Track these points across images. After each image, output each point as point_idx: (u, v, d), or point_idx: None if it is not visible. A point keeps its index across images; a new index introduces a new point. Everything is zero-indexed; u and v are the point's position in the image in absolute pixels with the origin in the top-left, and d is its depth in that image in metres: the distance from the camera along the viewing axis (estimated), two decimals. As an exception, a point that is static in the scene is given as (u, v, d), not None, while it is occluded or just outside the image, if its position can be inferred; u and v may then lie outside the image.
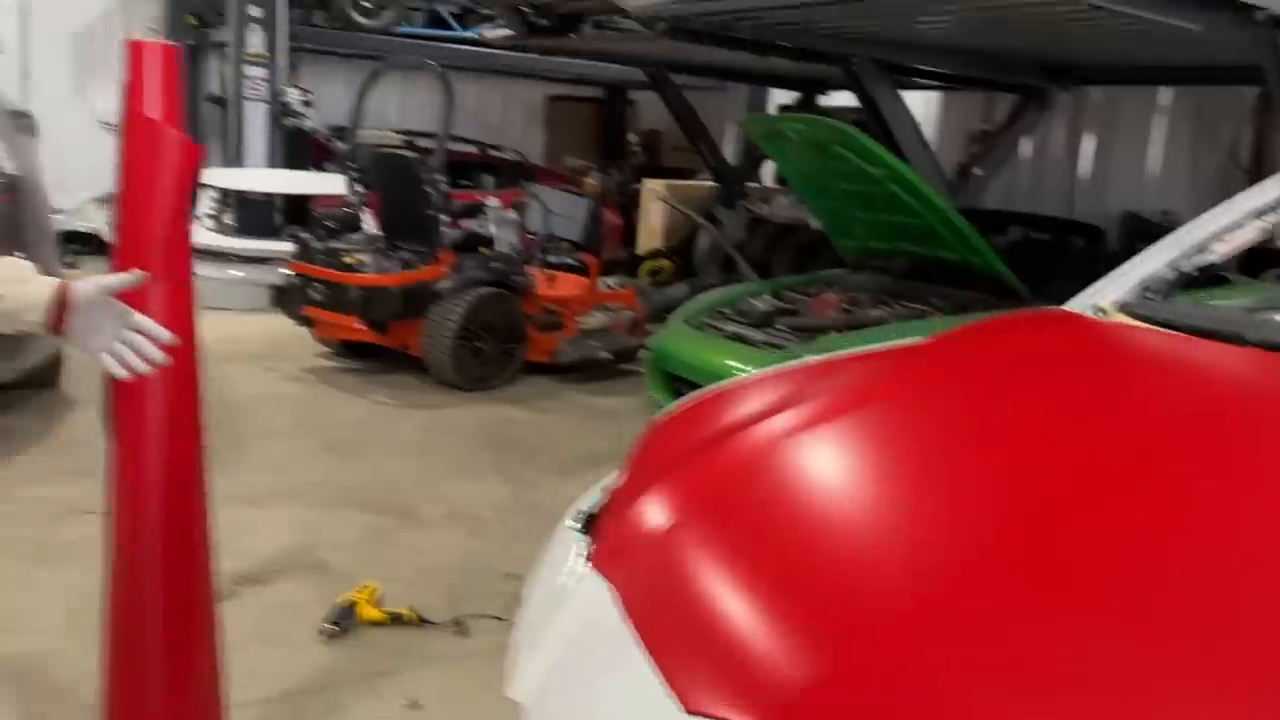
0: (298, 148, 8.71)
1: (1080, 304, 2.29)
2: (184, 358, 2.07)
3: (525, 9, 7.96)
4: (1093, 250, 5.78)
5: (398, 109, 11.03)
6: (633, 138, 13.55)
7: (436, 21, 10.08)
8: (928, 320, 5.14)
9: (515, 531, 3.99)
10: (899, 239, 5.73)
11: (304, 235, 6.25)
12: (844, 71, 6.65)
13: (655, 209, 10.13)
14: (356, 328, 6.13)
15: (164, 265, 2.05)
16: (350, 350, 6.63)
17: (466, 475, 4.67)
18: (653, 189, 10.17)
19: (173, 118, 2.06)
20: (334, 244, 6.18)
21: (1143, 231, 7.55)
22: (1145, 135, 8.89)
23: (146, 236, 2.05)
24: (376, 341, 6.25)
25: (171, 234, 2.08)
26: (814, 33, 6.26)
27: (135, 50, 2.03)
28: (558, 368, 6.48)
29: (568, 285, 6.85)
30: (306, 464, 4.68)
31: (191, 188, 2.12)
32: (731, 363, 5.07)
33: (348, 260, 6.01)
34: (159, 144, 2.04)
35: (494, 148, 10.94)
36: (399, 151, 6.62)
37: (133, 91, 2.03)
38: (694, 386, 5.22)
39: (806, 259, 8.88)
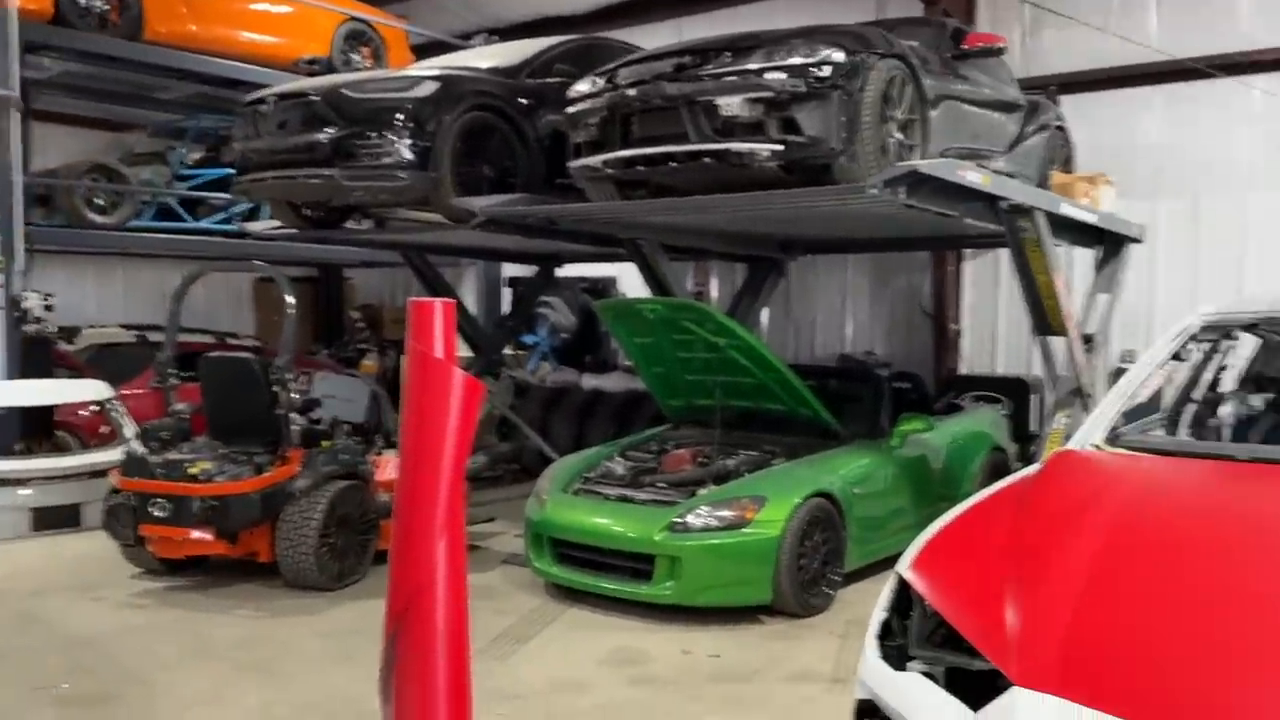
0: (36, 355, 7.95)
1: (1080, 443, 3.11)
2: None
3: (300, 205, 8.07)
4: (874, 391, 6.98)
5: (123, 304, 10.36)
6: (354, 314, 13.58)
7: (166, 214, 9.76)
8: (780, 464, 5.96)
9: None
10: (725, 396, 6.54)
11: (134, 449, 5.84)
12: (631, 250, 7.52)
13: (417, 384, 10.26)
14: (202, 541, 5.77)
15: (448, 505, 2.26)
16: (171, 566, 6.18)
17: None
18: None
19: (452, 361, 2.31)
20: (172, 455, 5.84)
21: (859, 370, 9.05)
22: (842, 289, 10.69)
23: (436, 466, 2.26)
24: (223, 553, 5.91)
25: (456, 463, 2.29)
26: (616, 223, 7.10)
27: (421, 307, 2.27)
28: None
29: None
30: (245, 689, 4.42)
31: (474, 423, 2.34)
32: (627, 523, 5.55)
33: (193, 470, 5.72)
34: (448, 382, 2.27)
35: (231, 335, 10.56)
36: (234, 355, 6.43)
37: (421, 338, 2.26)
38: (587, 551, 5.60)
39: (583, 419, 9.53)
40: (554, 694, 4.42)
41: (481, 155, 6.98)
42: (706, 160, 5.34)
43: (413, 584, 2.26)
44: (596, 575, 5.58)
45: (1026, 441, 7.98)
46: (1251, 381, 4.80)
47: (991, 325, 9.76)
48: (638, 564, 5.43)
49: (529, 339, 11.67)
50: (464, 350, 10.60)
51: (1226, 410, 4.45)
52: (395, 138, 6.69)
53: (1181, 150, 8.72)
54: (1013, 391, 8.60)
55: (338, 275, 13.98)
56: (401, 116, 6.66)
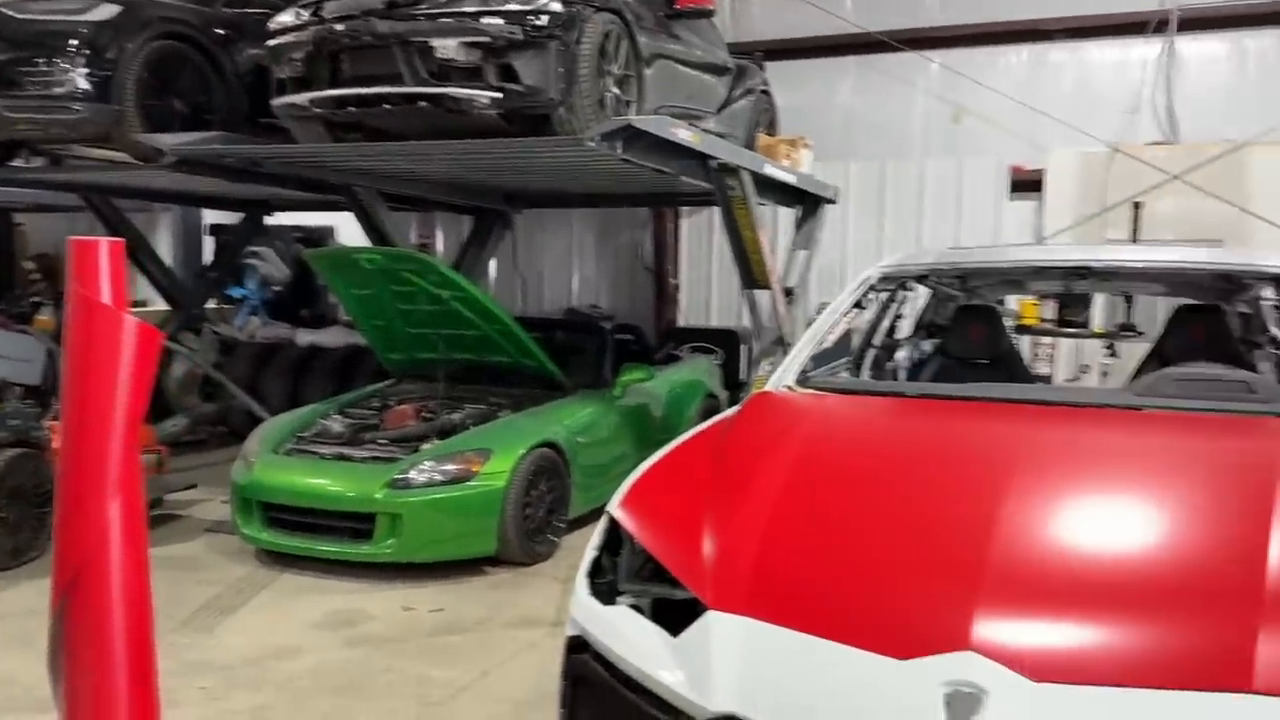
0: None
1: (775, 385, 3.32)
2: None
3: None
4: (598, 343, 7.11)
5: None
6: (27, 264, 12.10)
7: None
8: (505, 416, 5.96)
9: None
10: (449, 349, 6.44)
11: None
12: (348, 197, 7.20)
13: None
14: None
15: (121, 464, 2.06)
16: None
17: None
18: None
19: (122, 307, 2.09)
20: None
21: (584, 322, 9.21)
22: (569, 244, 10.79)
23: (106, 423, 2.04)
24: None
25: (130, 418, 2.08)
26: (327, 168, 6.75)
27: (84, 247, 2.03)
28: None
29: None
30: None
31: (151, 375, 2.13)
32: (345, 482, 5.36)
33: None
34: (119, 331, 2.05)
35: None
36: None
37: (85, 282, 2.03)
38: (301, 514, 5.35)
39: (298, 377, 9.06)
40: (264, 661, 4.20)
41: (172, 89, 6.40)
42: (422, 104, 5.17)
43: (81, 551, 2.05)
44: (312, 538, 5.34)
45: (737, 388, 8.47)
46: (924, 328, 5.35)
47: (706, 280, 10.24)
48: (357, 524, 5.26)
49: (237, 292, 10.92)
50: (161, 304, 9.76)
51: (902, 354, 4.93)
52: (68, 65, 6.01)
53: (871, 117, 9.51)
54: (725, 342, 9.09)
55: (6, 220, 12.35)
56: (76, 42, 5.98)
